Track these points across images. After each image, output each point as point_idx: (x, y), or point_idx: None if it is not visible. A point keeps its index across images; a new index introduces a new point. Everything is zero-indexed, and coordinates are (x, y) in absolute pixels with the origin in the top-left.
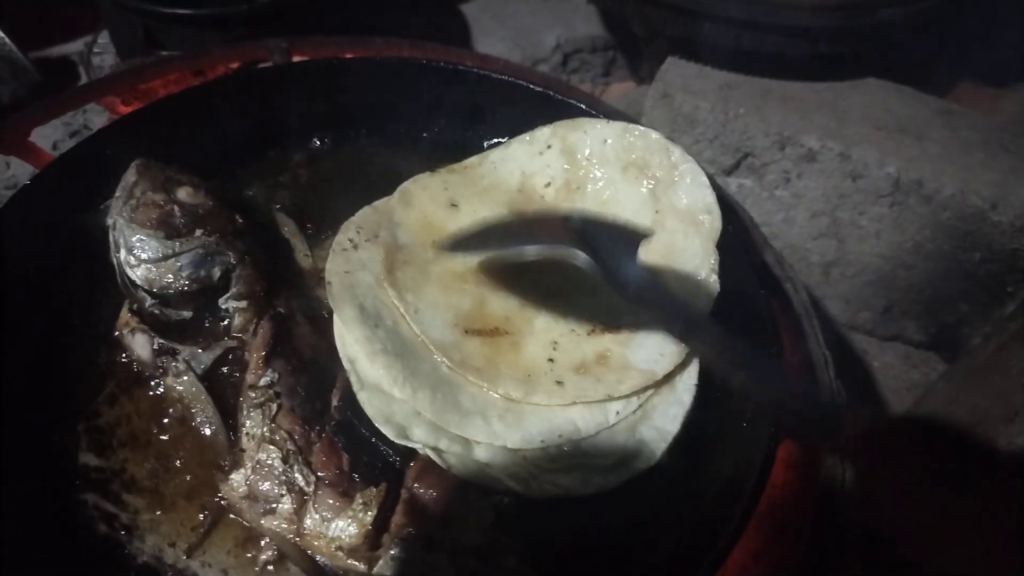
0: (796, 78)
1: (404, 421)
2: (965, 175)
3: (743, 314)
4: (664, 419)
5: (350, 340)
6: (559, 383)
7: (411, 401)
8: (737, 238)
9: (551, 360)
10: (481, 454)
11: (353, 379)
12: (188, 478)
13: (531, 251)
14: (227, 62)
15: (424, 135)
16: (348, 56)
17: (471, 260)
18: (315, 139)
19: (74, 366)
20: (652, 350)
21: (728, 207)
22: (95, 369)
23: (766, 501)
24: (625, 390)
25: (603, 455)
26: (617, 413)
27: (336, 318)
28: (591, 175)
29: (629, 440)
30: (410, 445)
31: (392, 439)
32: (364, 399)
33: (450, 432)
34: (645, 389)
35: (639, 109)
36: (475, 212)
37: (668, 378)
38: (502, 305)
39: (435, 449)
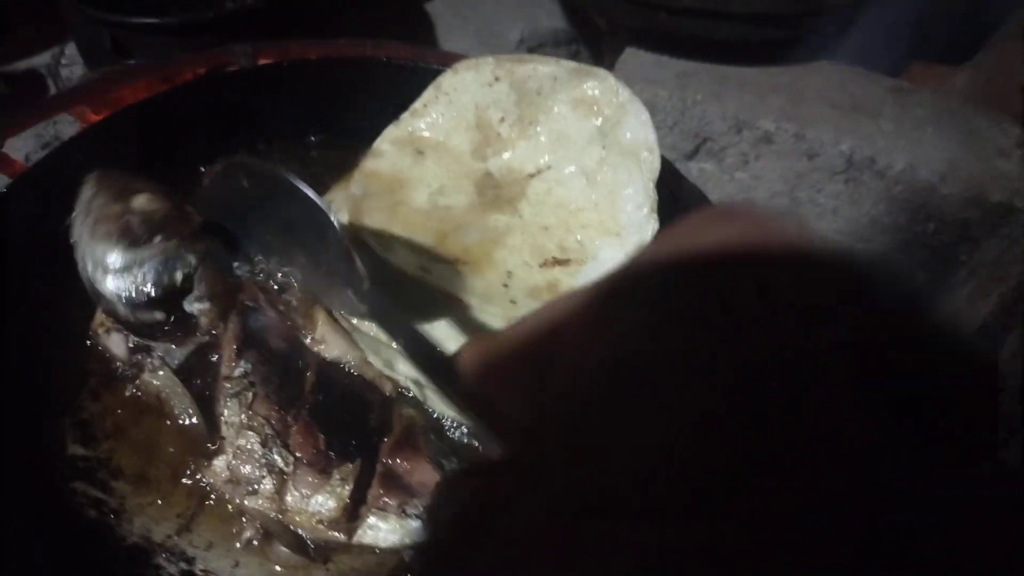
0: (752, 63)
1: (389, 357)
2: (915, 150)
3: None
4: None
5: None
6: (512, 302)
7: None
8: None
9: (505, 286)
10: None
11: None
12: (172, 464)
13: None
14: (194, 69)
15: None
16: (312, 57)
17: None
18: (282, 139)
19: (56, 366)
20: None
21: (677, 185)
22: (76, 367)
23: None
24: None
25: None
26: None
27: None
28: (543, 110)
29: None
30: (393, 376)
31: (382, 370)
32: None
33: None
34: None
35: None
36: (440, 158)
37: None
38: (461, 239)
39: (416, 383)
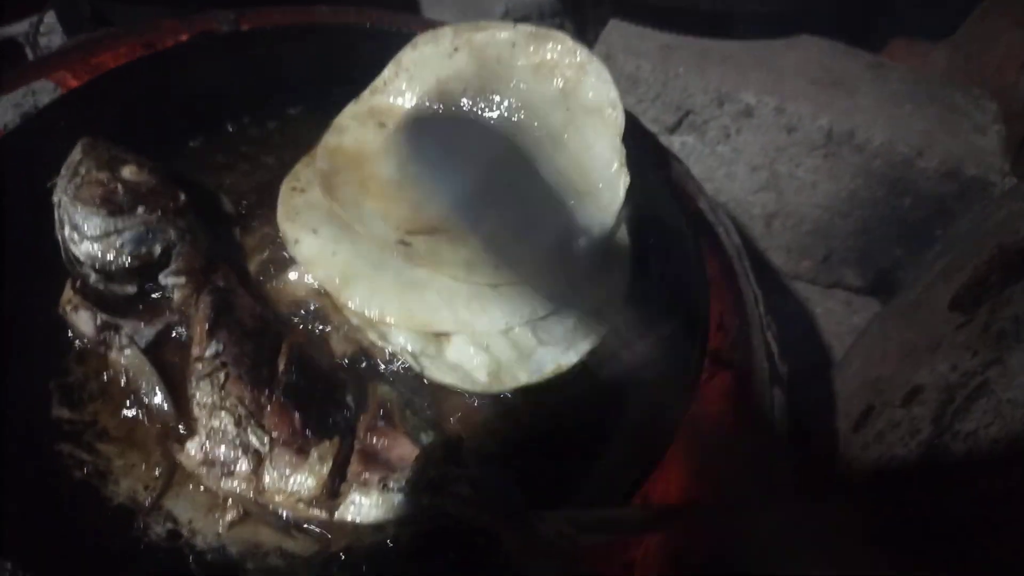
0: (734, 37)
1: (384, 330)
2: (894, 125)
3: (674, 260)
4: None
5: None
6: (497, 267)
7: (382, 318)
8: (667, 186)
9: None
10: (452, 355)
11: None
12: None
13: None
14: (176, 35)
15: None
16: (294, 23)
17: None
18: (263, 109)
19: (42, 330)
20: None
21: (663, 157)
22: (62, 331)
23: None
24: None
25: (556, 339)
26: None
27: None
28: (504, 78)
29: (578, 324)
30: (389, 347)
31: (375, 341)
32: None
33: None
34: None
35: None
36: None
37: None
38: (438, 207)
39: (412, 353)
